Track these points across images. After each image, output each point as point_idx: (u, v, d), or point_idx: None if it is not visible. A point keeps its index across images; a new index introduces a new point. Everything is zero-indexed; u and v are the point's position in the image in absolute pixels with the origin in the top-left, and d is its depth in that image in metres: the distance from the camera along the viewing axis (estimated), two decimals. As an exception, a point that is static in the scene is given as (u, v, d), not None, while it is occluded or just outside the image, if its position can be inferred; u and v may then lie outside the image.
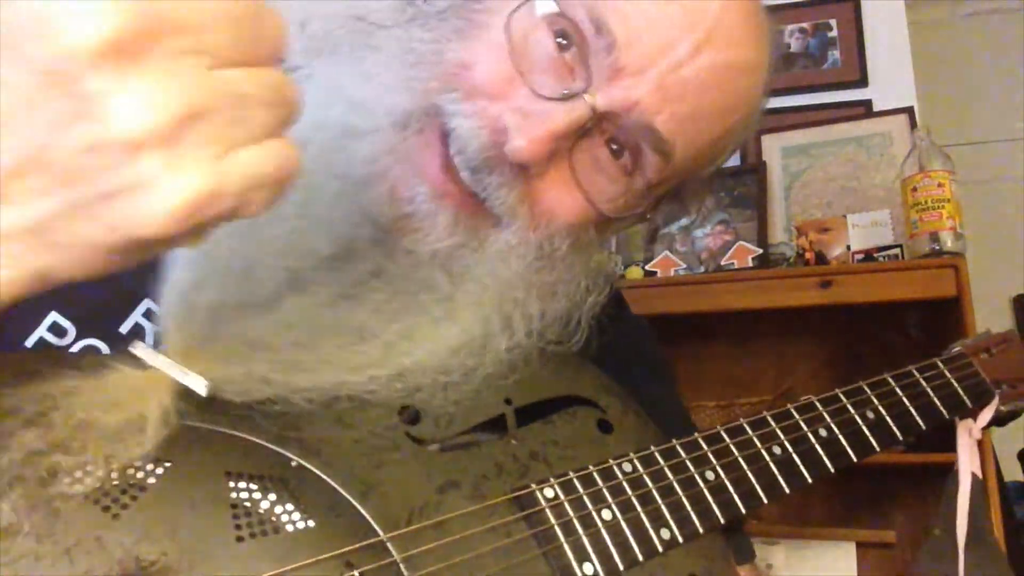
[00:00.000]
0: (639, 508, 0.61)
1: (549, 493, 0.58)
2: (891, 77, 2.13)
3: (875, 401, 0.80)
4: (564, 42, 0.59)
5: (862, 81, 2.14)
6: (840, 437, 0.75)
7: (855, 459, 0.75)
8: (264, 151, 0.38)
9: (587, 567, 0.56)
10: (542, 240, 0.62)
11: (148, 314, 0.61)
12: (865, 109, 2.11)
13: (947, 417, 0.86)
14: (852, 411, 0.78)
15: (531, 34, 0.59)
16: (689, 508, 0.63)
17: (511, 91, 0.59)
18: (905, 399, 0.82)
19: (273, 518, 0.49)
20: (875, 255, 1.86)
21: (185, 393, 0.51)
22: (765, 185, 2.06)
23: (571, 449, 0.63)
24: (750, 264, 1.92)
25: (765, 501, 0.68)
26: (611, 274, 0.70)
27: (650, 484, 0.63)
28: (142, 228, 0.35)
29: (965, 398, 0.88)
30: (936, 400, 0.85)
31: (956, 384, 0.88)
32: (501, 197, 0.59)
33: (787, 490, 0.69)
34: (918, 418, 0.82)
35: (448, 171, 0.58)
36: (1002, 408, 0.92)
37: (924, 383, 0.85)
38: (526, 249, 0.61)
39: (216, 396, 0.52)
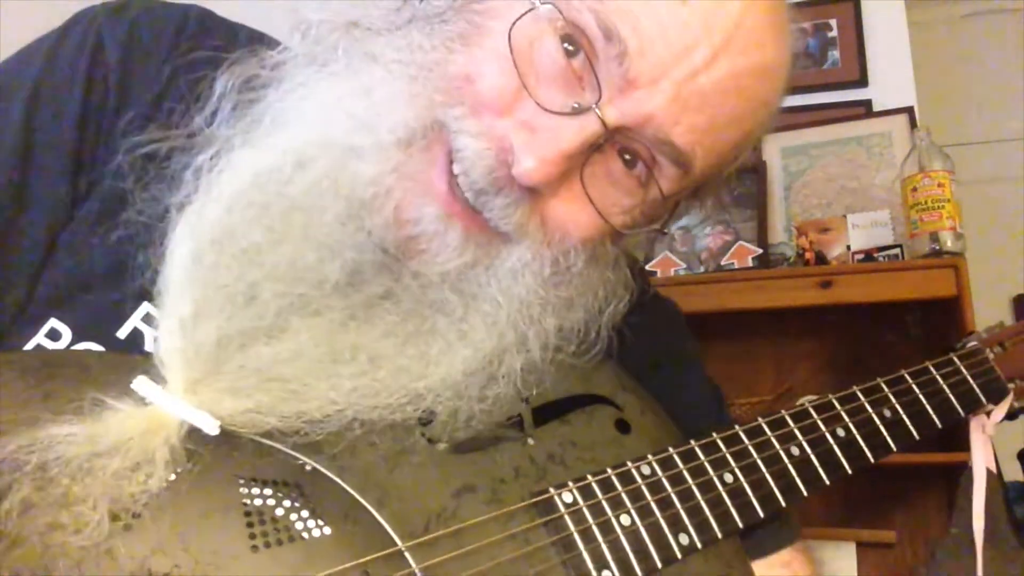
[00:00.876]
0: (658, 513, 0.60)
1: (568, 498, 0.58)
2: (891, 77, 2.13)
3: (892, 400, 0.79)
4: (571, 48, 0.56)
5: (862, 81, 2.14)
6: (858, 438, 0.74)
7: (872, 460, 0.74)
8: None
9: (606, 574, 0.55)
10: (557, 255, 0.59)
11: (147, 318, 0.59)
12: (865, 109, 2.11)
13: (963, 415, 0.85)
14: (870, 410, 0.76)
15: (536, 42, 0.57)
16: (708, 512, 0.62)
17: (517, 105, 0.56)
18: (922, 397, 0.81)
19: (288, 526, 0.48)
20: (875, 255, 1.86)
21: (195, 430, 0.49)
22: (765, 185, 2.06)
23: (589, 450, 0.62)
24: (750, 264, 1.92)
25: (783, 504, 0.67)
26: (630, 282, 0.67)
27: (669, 488, 0.62)
28: None
29: (981, 395, 0.87)
30: (952, 398, 0.84)
31: (972, 381, 0.87)
32: (508, 217, 0.56)
33: (805, 493, 0.68)
34: (935, 417, 0.81)
35: (455, 189, 0.56)
36: (1015, 404, 0.91)
37: (941, 380, 0.84)
38: (541, 265, 0.59)
39: (225, 430, 0.50)
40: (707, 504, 0.62)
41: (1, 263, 0.58)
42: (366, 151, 0.55)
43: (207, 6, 0.68)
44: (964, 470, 0.92)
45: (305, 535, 0.48)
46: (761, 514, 0.65)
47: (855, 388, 0.78)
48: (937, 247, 1.70)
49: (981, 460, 0.90)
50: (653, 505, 0.60)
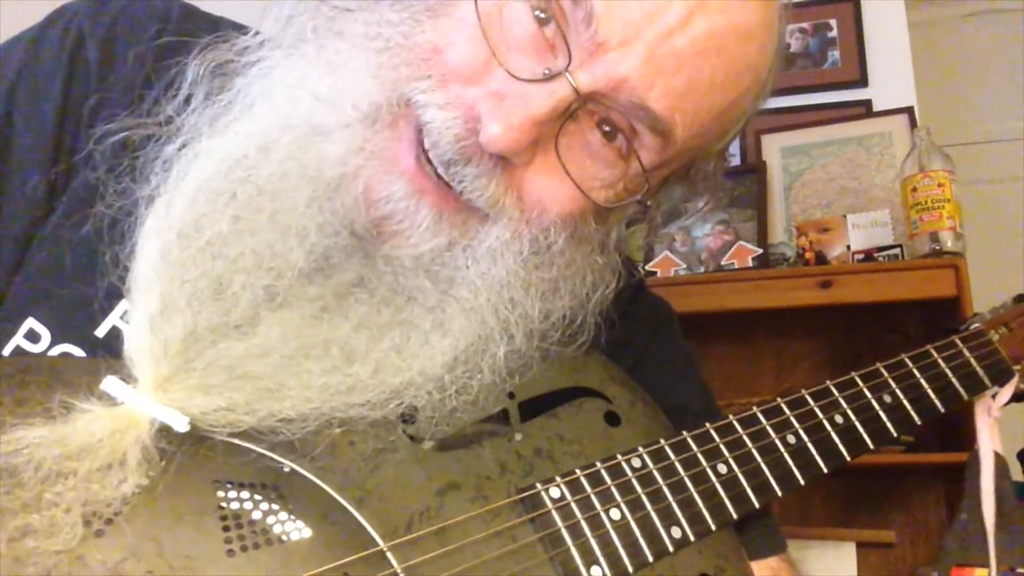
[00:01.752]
0: (649, 506, 0.58)
1: (555, 493, 0.56)
2: (891, 77, 2.12)
3: (892, 384, 0.76)
4: (543, 16, 0.54)
5: (862, 81, 2.14)
6: (857, 424, 0.72)
7: (872, 446, 0.72)
8: None
9: (595, 570, 0.54)
10: (536, 234, 0.57)
11: (126, 316, 0.57)
12: (865, 109, 2.11)
13: (966, 399, 0.82)
14: (869, 395, 0.74)
15: (505, 9, 0.54)
16: (701, 504, 0.61)
17: (486, 74, 0.54)
18: (923, 381, 0.78)
19: (266, 529, 0.47)
20: (875, 255, 1.86)
21: (166, 429, 0.48)
22: (765, 185, 2.05)
23: (577, 444, 0.61)
24: (750, 264, 1.91)
25: (779, 493, 0.65)
26: (617, 266, 0.64)
27: (660, 480, 0.60)
28: None
29: (984, 378, 0.84)
30: (955, 381, 0.81)
31: (975, 364, 0.84)
32: (479, 189, 0.54)
33: (802, 481, 0.66)
34: (936, 401, 0.78)
35: (424, 164, 0.54)
36: (1021, 386, 0.89)
37: (943, 363, 0.81)
38: (520, 244, 0.56)
39: (197, 429, 0.49)
40: (700, 496, 0.61)
41: None
42: (331, 130, 0.53)
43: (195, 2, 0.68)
44: (971, 454, 0.89)
45: (284, 538, 0.47)
46: (756, 504, 0.64)
47: (853, 374, 0.75)
48: (937, 247, 1.70)
49: (988, 443, 0.87)
50: (644, 498, 0.59)
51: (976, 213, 2.04)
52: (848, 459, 0.70)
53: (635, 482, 0.59)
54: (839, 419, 0.71)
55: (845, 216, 1.95)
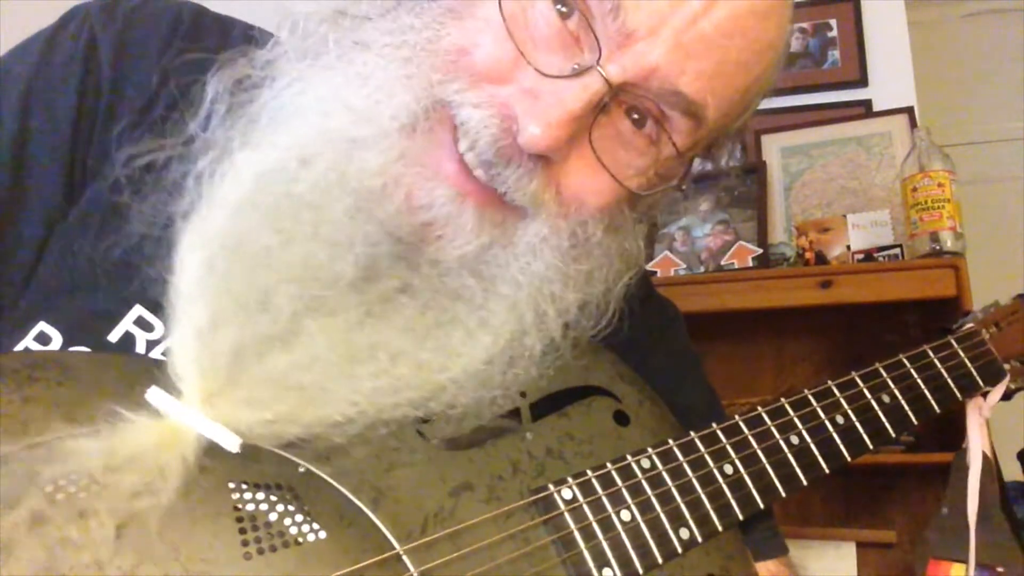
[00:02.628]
0: (658, 508, 0.59)
1: (567, 494, 0.57)
2: (891, 77, 2.12)
3: (891, 384, 0.78)
4: (564, 10, 0.54)
5: (862, 81, 2.14)
6: (857, 424, 0.73)
7: (871, 447, 0.73)
8: None
9: (606, 572, 0.55)
10: (575, 227, 0.58)
11: (139, 322, 0.58)
12: (865, 109, 2.10)
13: (960, 399, 0.84)
14: (868, 396, 0.75)
15: (528, 7, 0.55)
16: (708, 506, 0.61)
17: (516, 73, 0.55)
18: (920, 382, 0.80)
19: (282, 531, 0.47)
20: (875, 255, 1.86)
21: (210, 445, 0.47)
22: (765, 185, 2.05)
23: (587, 444, 0.61)
24: (750, 264, 1.91)
25: (783, 495, 0.66)
26: (641, 251, 0.66)
27: (669, 482, 0.61)
28: None
29: (978, 378, 0.86)
30: (950, 381, 0.83)
31: (969, 364, 0.86)
32: (522, 188, 0.55)
33: (804, 483, 0.67)
34: (933, 401, 0.80)
35: (465, 167, 0.55)
36: (1011, 385, 0.91)
37: (939, 364, 0.83)
38: (559, 238, 0.57)
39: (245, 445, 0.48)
40: (707, 497, 0.61)
41: None
42: (369, 141, 0.54)
43: (200, 1, 0.68)
44: (958, 452, 0.91)
45: (300, 540, 0.47)
46: (761, 505, 0.64)
47: (854, 374, 0.77)
48: (937, 247, 1.70)
49: (978, 442, 0.90)
50: (653, 500, 0.59)
51: (976, 213, 2.04)
52: (849, 460, 0.71)
53: (645, 483, 0.60)
54: (840, 419, 0.72)
55: (845, 216, 1.95)
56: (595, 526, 0.56)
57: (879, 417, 0.75)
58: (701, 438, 0.64)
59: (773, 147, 2.11)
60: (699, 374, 0.81)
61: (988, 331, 0.92)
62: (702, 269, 1.96)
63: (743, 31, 0.56)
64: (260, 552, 0.45)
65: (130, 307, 0.58)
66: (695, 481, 0.62)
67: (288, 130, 0.55)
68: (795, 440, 0.68)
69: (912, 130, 1.96)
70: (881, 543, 1.70)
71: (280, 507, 0.48)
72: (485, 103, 0.54)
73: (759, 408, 0.69)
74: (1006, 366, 0.90)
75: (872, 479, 1.74)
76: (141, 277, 0.54)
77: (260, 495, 0.48)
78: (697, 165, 0.68)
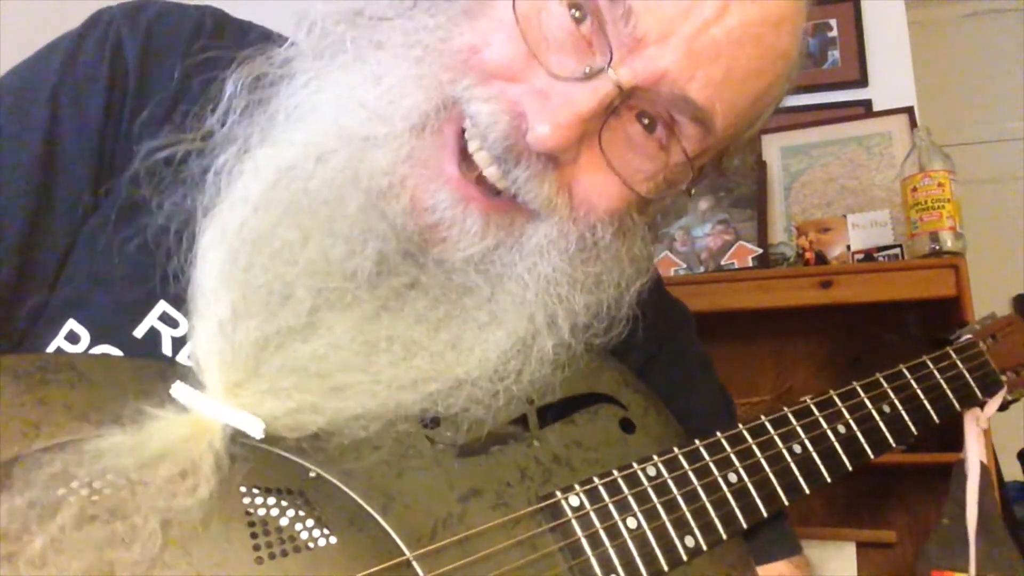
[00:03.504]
0: (664, 516, 0.59)
1: (575, 502, 0.57)
2: (891, 77, 2.12)
3: (891, 395, 0.79)
4: (578, 14, 0.55)
5: (862, 81, 2.14)
6: (858, 434, 0.74)
7: (872, 456, 0.74)
8: None
9: None
10: (583, 231, 0.58)
11: (164, 317, 0.59)
12: (865, 109, 2.11)
13: (959, 410, 0.85)
14: (869, 406, 0.76)
15: (543, 10, 0.56)
16: (713, 514, 0.62)
17: (528, 73, 0.55)
18: (920, 392, 0.81)
19: (294, 536, 0.47)
20: (875, 255, 1.86)
21: (237, 434, 0.48)
22: (765, 185, 2.05)
23: (594, 451, 0.62)
24: (750, 264, 1.92)
25: (786, 503, 0.67)
26: (653, 256, 0.66)
27: (674, 490, 0.61)
28: None
29: (976, 389, 0.88)
30: (949, 392, 0.84)
31: (968, 375, 0.87)
32: (533, 190, 0.55)
33: (807, 491, 0.68)
34: (932, 412, 0.81)
35: (469, 171, 0.55)
36: (1007, 397, 0.92)
37: (938, 375, 0.84)
38: (567, 242, 0.58)
39: (270, 434, 0.49)
40: (712, 505, 0.62)
41: (25, 265, 0.58)
42: (381, 140, 0.54)
43: (218, 5, 0.68)
44: (957, 463, 0.93)
45: (311, 545, 0.47)
46: (765, 514, 0.65)
47: (855, 384, 0.78)
48: (937, 247, 1.70)
49: (976, 453, 0.91)
50: (659, 507, 0.60)
51: (976, 213, 2.04)
52: (850, 469, 0.72)
53: (651, 491, 0.60)
54: (842, 429, 0.73)
55: (845, 216, 1.96)
56: (602, 533, 0.56)
57: (880, 427, 0.76)
58: (706, 446, 0.65)
59: (773, 147, 2.11)
60: (710, 375, 0.82)
61: (985, 343, 0.93)
62: (702, 269, 1.96)
63: (755, 39, 0.56)
64: (272, 557, 0.46)
65: (155, 303, 0.59)
66: (700, 489, 0.62)
67: (305, 127, 0.56)
68: (798, 449, 0.69)
69: (912, 130, 1.96)
70: (881, 543, 1.70)
71: (291, 512, 0.48)
72: (495, 98, 0.55)
73: (763, 417, 0.69)
74: (1003, 377, 0.92)
75: (872, 479, 1.74)
76: (163, 272, 0.55)
77: (271, 500, 0.48)
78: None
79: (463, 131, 0.55)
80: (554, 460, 0.60)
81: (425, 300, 0.57)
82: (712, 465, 0.64)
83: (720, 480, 0.64)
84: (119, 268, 0.59)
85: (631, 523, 0.58)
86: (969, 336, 0.93)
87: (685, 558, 0.59)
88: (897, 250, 1.85)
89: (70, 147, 0.59)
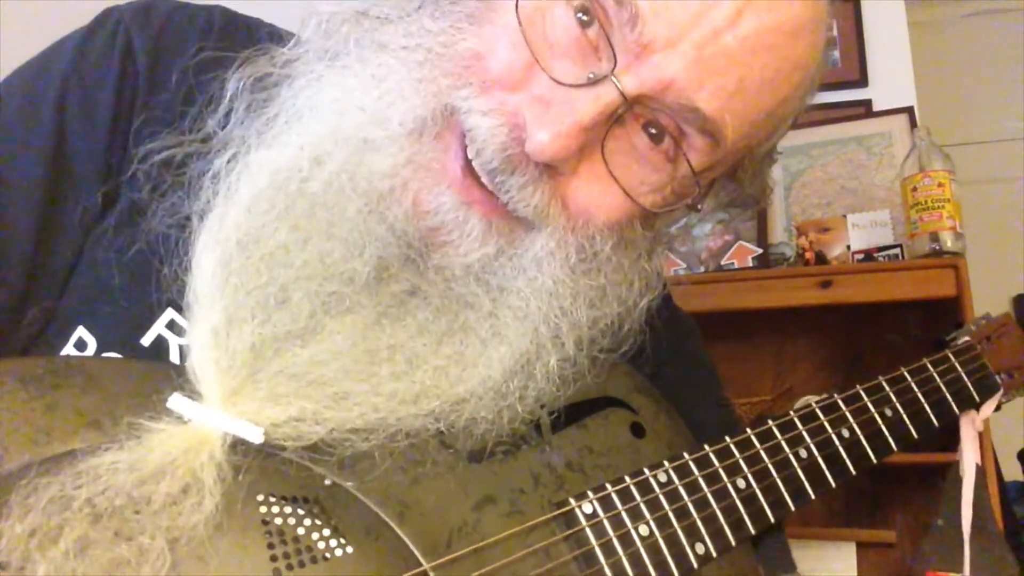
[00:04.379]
0: (675, 524, 0.59)
1: (588, 509, 0.57)
2: (891, 77, 2.13)
3: (893, 399, 0.79)
4: (585, 19, 0.52)
5: (862, 81, 2.14)
6: (862, 439, 0.74)
7: (875, 461, 0.74)
8: None
9: None
10: (582, 241, 0.56)
11: (171, 325, 0.58)
12: (865, 109, 2.11)
13: (957, 413, 0.86)
14: (872, 410, 0.77)
15: (548, 13, 0.54)
16: (722, 520, 0.62)
17: (529, 79, 0.53)
18: (920, 396, 0.82)
19: (311, 546, 0.46)
20: (875, 255, 1.86)
21: (236, 443, 0.47)
22: (765, 185, 2.05)
23: (605, 456, 0.61)
24: (750, 264, 1.92)
25: (792, 508, 0.66)
26: (663, 271, 0.64)
27: (685, 497, 0.61)
28: None
29: (974, 392, 0.88)
30: (949, 396, 0.85)
31: (966, 378, 0.88)
32: (525, 199, 0.53)
33: (812, 496, 0.68)
34: (932, 416, 0.82)
35: (470, 174, 0.54)
36: (1002, 399, 0.94)
37: (938, 378, 0.85)
38: (566, 253, 0.56)
39: (269, 443, 0.48)
40: (722, 512, 0.62)
41: (35, 271, 0.57)
42: (379, 143, 0.53)
43: (225, 3, 0.68)
44: (951, 465, 0.95)
45: (327, 555, 0.46)
46: (772, 519, 0.65)
47: (859, 388, 0.78)
48: (937, 247, 1.70)
49: (971, 455, 0.93)
50: (671, 515, 0.59)
51: (976, 213, 2.04)
52: (854, 473, 0.73)
53: (662, 498, 0.60)
54: (846, 433, 0.73)
55: (845, 216, 1.96)
56: (615, 542, 0.56)
57: (882, 431, 0.76)
58: (715, 452, 0.65)
59: (773, 147, 2.11)
60: (715, 390, 0.81)
61: (980, 344, 0.94)
62: (702, 269, 1.96)
63: (769, 48, 0.53)
64: (289, 568, 0.45)
65: (162, 311, 0.58)
66: (710, 496, 0.62)
67: (303, 129, 0.55)
68: (803, 454, 0.69)
69: (912, 130, 1.96)
70: (881, 543, 1.70)
71: (307, 521, 0.47)
72: (494, 111, 0.53)
73: (770, 422, 0.69)
74: (998, 379, 0.92)
75: (872, 479, 1.74)
76: (167, 279, 0.54)
77: (288, 508, 0.47)
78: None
79: (464, 135, 0.54)
80: (567, 466, 0.59)
81: (427, 310, 0.55)
82: (721, 471, 0.64)
83: (729, 486, 0.64)
84: (121, 275, 0.58)
85: (643, 531, 0.58)
86: (967, 338, 0.94)
87: (696, 565, 0.59)
88: (897, 250, 1.85)
89: (79, 151, 0.59)
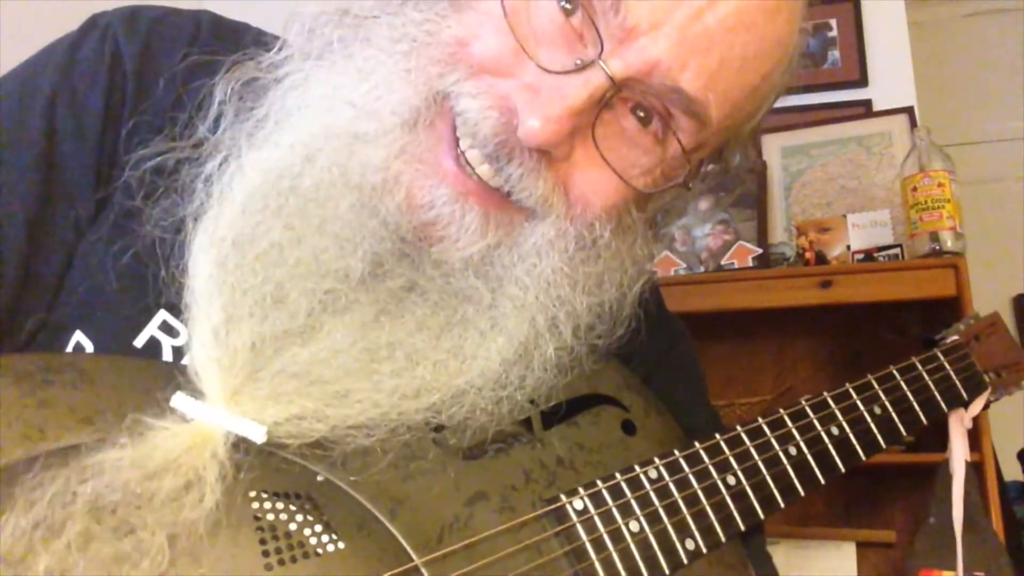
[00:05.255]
0: (666, 520, 0.60)
1: (579, 505, 0.57)
2: (891, 77, 2.13)
3: (882, 396, 0.80)
4: (569, 6, 0.54)
5: (862, 81, 2.14)
6: (851, 436, 0.74)
7: (864, 458, 0.75)
8: None
9: None
10: (582, 229, 0.57)
11: (164, 326, 0.58)
12: (865, 109, 2.11)
13: (946, 411, 0.87)
14: (861, 408, 0.77)
15: (531, 2, 0.54)
16: (712, 517, 0.62)
17: (517, 67, 0.54)
18: (909, 394, 0.82)
19: (303, 541, 0.47)
20: (875, 255, 1.86)
21: (240, 441, 0.48)
22: (765, 185, 2.06)
23: (596, 453, 0.62)
24: (750, 264, 1.92)
25: (782, 505, 0.67)
26: (653, 256, 0.65)
27: (676, 493, 0.61)
28: None
29: (963, 391, 0.89)
30: (937, 394, 0.86)
31: (955, 377, 0.89)
32: (528, 188, 0.54)
33: (802, 493, 0.69)
34: (921, 414, 0.82)
35: (465, 165, 0.54)
36: (991, 398, 0.95)
37: (926, 376, 0.86)
38: (566, 241, 0.56)
39: (271, 441, 0.48)
40: (712, 508, 0.62)
41: (28, 277, 0.57)
42: (371, 136, 0.53)
43: (210, 7, 0.68)
44: (941, 463, 0.95)
45: (319, 551, 0.47)
46: (762, 516, 0.65)
47: (848, 386, 0.79)
48: (937, 247, 1.70)
49: (960, 452, 0.93)
50: (661, 511, 0.60)
51: (976, 213, 2.04)
52: (843, 471, 0.73)
53: (652, 495, 0.60)
54: (835, 431, 0.74)
55: (845, 216, 1.96)
56: (606, 537, 0.57)
57: (871, 429, 0.77)
58: (705, 449, 0.65)
59: (773, 147, 2.11)
60: (702, 395, 0.81)
61: (969, 344, 0.95)
62: (702, 269, 1.96)
63: (748, 26, 0.55)
64: (281, 563, 0.45)
65: (154, 313, 0.58)
66: (700, 492, 0.63)
67: (293, 128, 0.55)
68: (793, 451, 0.70)
69: (912, 130, 1.96)
70: (881, 543, 1.70)
71: (300, 517, 0.48)
72: (484, 93, 0.53)
73: (760, 419, 0.70)
74: (986, 377, 0.93)
75: (872, 479, 1.74)
76: (160, 282, 0.54)
77: (280, 504, 0.48)
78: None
79: (455, 123, 0.54)
80: (558, 463, 0.60)
81: (425, 306, 0.56)
82: (712, 468, 0.64)
83: (719, 483, 0.64)
84: (116, 279, 0.58)
85: (634, 527, 0.58)
86: (955, 337, 0.95)
87: (686, 561, 0.59)
88: (897, 250, 1.85)
89: (69, 159, 0.59)
